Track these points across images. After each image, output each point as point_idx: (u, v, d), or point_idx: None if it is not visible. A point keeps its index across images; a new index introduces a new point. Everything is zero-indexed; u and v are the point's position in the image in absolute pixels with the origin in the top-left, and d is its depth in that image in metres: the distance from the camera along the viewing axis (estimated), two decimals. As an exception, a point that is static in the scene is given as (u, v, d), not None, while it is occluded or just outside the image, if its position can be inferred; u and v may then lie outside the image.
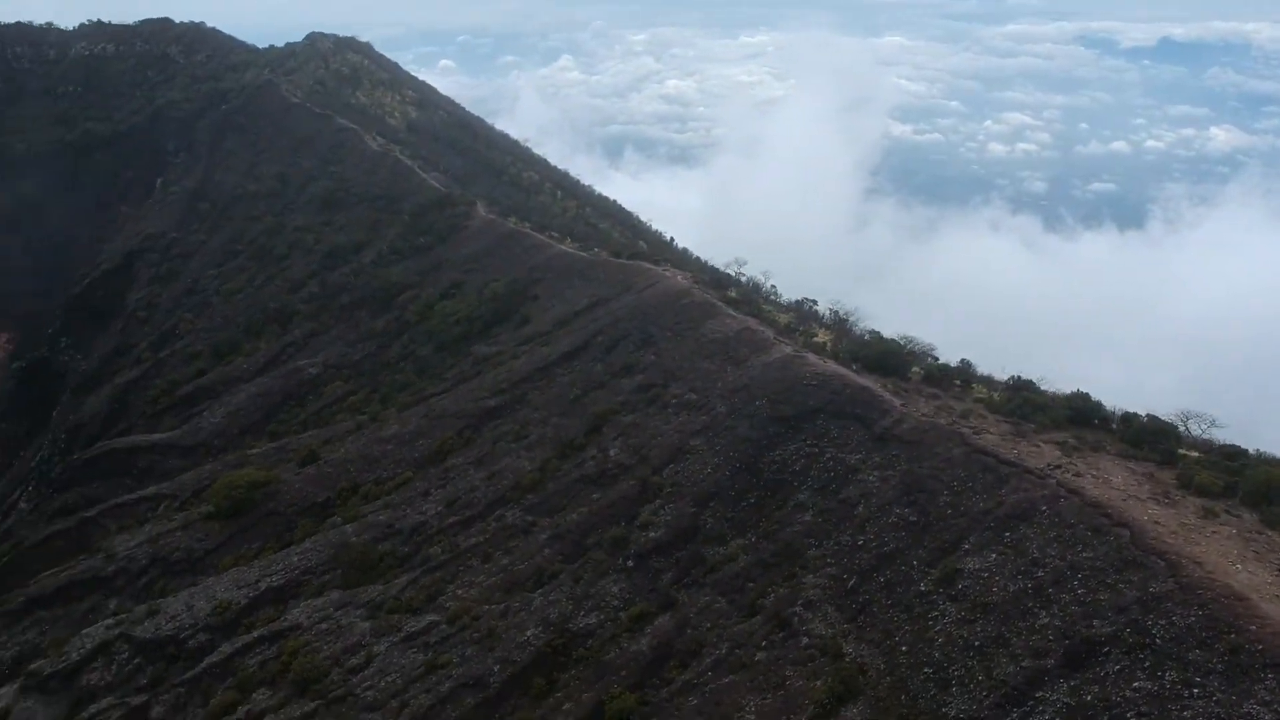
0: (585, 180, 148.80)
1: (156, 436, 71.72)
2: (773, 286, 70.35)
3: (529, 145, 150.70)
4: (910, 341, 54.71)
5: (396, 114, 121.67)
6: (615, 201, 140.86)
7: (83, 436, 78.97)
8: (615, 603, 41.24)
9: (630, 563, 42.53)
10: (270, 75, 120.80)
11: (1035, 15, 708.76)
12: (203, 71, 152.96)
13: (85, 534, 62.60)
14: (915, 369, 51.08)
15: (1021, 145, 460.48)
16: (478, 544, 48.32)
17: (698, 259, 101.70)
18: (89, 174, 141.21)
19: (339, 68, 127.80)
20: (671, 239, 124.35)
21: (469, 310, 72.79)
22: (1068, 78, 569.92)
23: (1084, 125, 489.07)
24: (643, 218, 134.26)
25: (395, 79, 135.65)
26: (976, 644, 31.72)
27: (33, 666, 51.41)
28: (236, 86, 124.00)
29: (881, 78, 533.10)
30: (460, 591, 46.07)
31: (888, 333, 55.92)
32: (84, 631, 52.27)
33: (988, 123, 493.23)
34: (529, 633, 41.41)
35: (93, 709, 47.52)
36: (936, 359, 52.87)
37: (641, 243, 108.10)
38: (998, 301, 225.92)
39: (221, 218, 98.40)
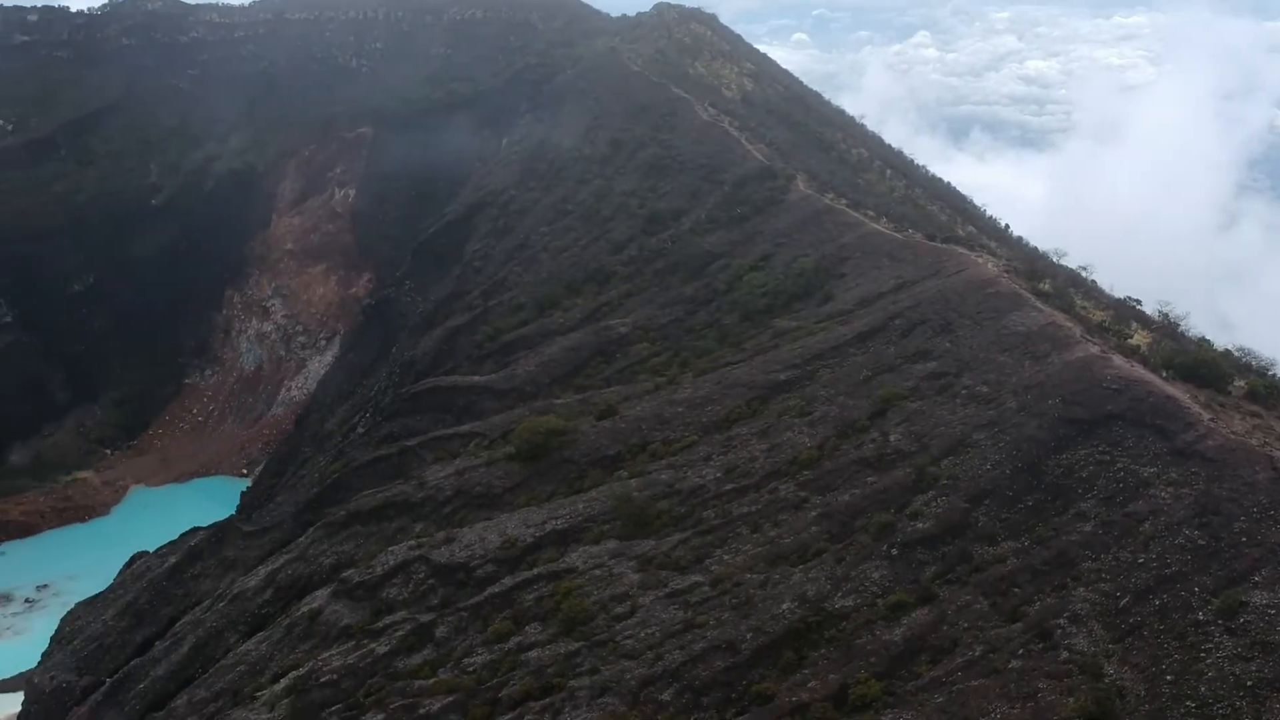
0: (922, 160, 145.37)
1: (476, 379, 76.90)
2: (1093, 281, 66.23)
3: (864, 122, 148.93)
4: (1247, 354, 50.27)
5: (732, 85, 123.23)
6: (949, 183, 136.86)
7: (413, 372, 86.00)
8: (874, 589, 40.74)
9: (895, 551, 41.82)
10: (614, 43, 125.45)
11: None
12: (558, 38, 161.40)
13: (405, 461, 68.28)
14: (1239, 383, 46.90)
15: None
16: (749, 513, 48.95)
17: (1032, 248, 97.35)
18: (451, 131, 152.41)
19: (681, 38, 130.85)
20: (1006, 225, 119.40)
21: (775, 283, 73.09)
22: None
23: None
24: (977, 201, 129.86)
25: (735, 51, 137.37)
26: (1249, 684, 29.20)
27: (345, 574, 57.03)
28: (585, 53, 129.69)
29: (1271, 65, 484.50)
30: (726, 557, 46.93)
31: (1239, 343, 51.59)
32: (390, 549, 57.33)
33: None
34: (785, 606, 41.66)
35: (388, 619, 52.15)
36: (1274, 375, 48.24)
37: (971, 227, 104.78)
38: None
39: (556, 178, 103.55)
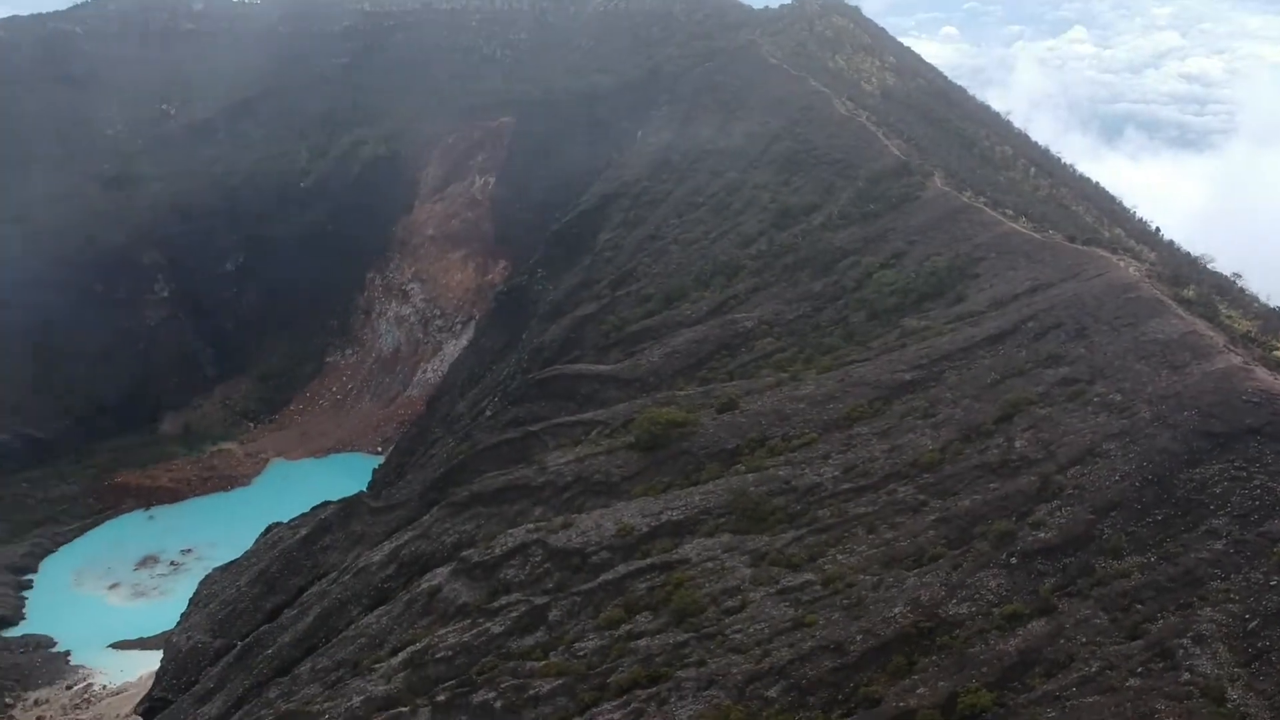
0: (1072, 159, 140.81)
1: (601, 367, 77.54)
2: (1243, 289, 63.32)
3: (1009, 119, 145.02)
4: None
5: (873, 79, 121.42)
6: (1097, 184, 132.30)
7: (541, 359, 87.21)
8: (990, 597, 39.76)
9: (1014, 560, 40.71)
10: (754, 36, 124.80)
11: None
12: (699, 30, 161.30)
13: (528, 446, 69.22)
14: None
15: None
16: (865, 514, 48.30)
17: (1184, 253, 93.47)
18: (590, 122, 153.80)
19: (822, 31, 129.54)
20: (1156, 229, 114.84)
21: (906, 282, 71.84)
22: None
23: None
24: (1127, 203, 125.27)
25: (877, 44, 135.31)
26: (1385, 720, 27.56)
27: (465, 553, 58.15)
28: (725, 46, 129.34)
29: None
30: (840, 557, 46.40)
31: None
32: (509, 531, 58.25)
33: None
34: (897, 609, 40.99)
35: (504, 600, 53.02)
36: None
37: (1118, 229, 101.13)
38: None
39: (689, 170, 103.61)
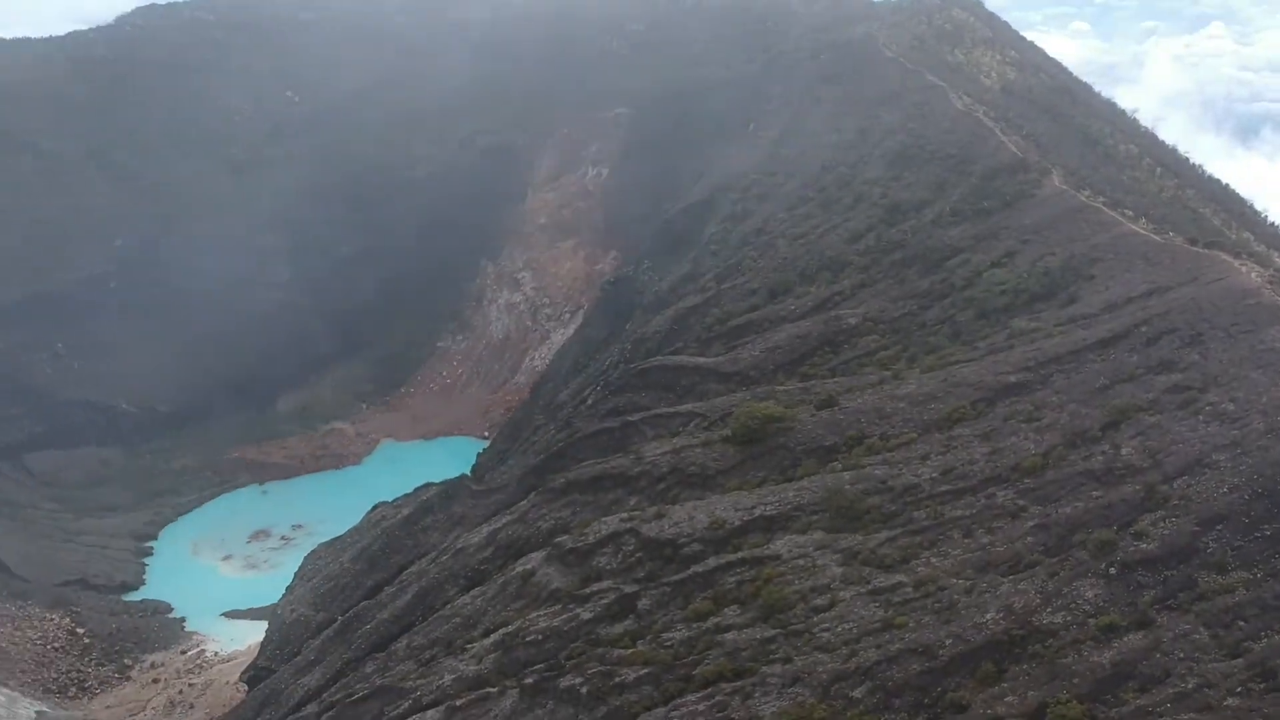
0: (1201, 160, 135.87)
1: (701, 360, 77.45)
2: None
3: (1136, 117, 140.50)
4: None
5: (992, 74, 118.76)
6: (1227, 185, 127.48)
7: (643, 350, 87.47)
8: (1086, 607, 38.68)
9: (1113, 570, 39.53)
10: (870, 29, 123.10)
11: None
12: (817, 23, 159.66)
13: (626, 435, 69.59)
14: None
15: None
16: (962, 517, 47.43)
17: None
18: (704, 114, 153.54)
19: (942, 24, 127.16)
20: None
21: (1017, 282, 70.25)
22: None
23: None
24: (1259, 206, 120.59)
25: (998, 38, 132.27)
26: None
27: (559, 539, 58.77)
28: (841, 39, 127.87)
29: None
30: (934, 559, 45.67)
31: None
32: (603, 519, 58.65)
33: None
34: (989, 615, 40.17)
35: (595, 587, 53.45)
36: None
37: (1247, 233, 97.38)
38: None
39: (799, 164, 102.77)
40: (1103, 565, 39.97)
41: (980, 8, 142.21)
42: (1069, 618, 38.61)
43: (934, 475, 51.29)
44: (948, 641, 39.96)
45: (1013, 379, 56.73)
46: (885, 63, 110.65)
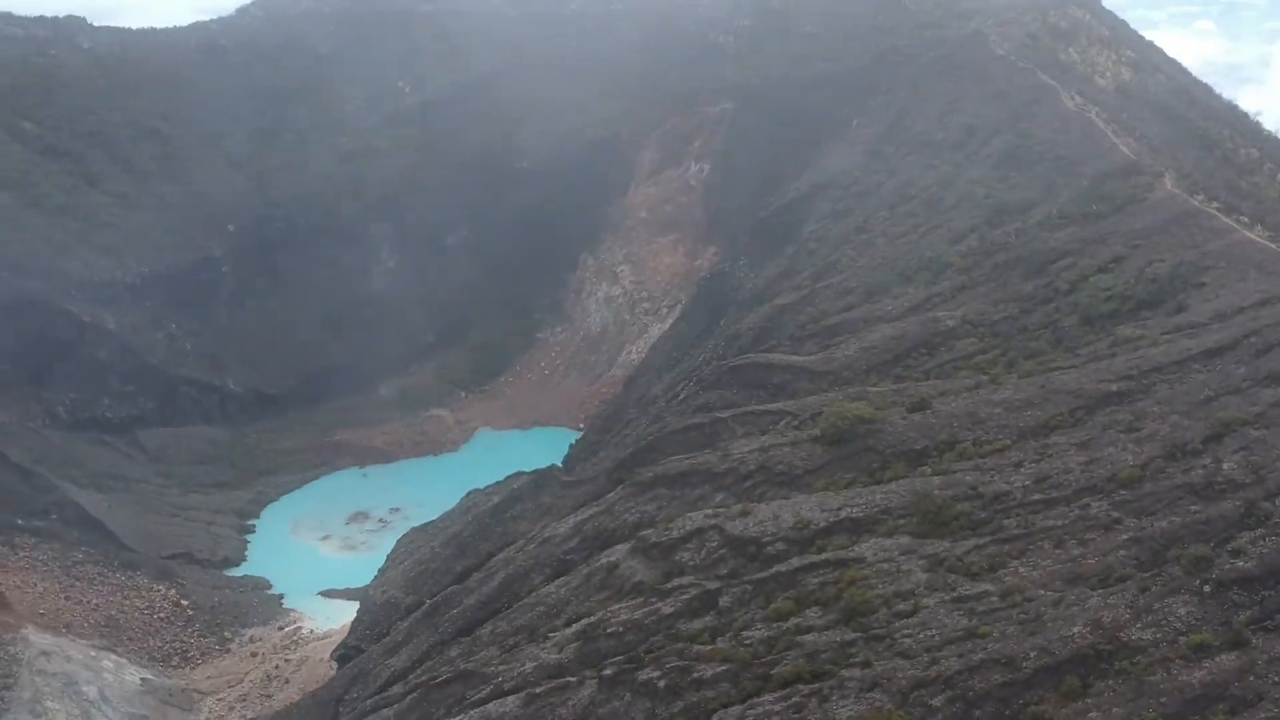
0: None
1: (794, 358, 76.91)
2: None
3: (1259, 119, 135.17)
4: None
5: (1107, 74, 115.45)
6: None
7: (736, 347, 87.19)
8: (1178, 625, 37.45)
9: (1207, 588, 38.19)
10: (980, 26, 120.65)
11: None
12: (929, 19, 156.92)
13: (715, 431, 69.47)
14: None
15: None
16: (1053, 527, 46.28)
17: None
18: (809, 111, 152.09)
19: (1056, 22, 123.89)
20: None
21: (1124, 288, 68.40)
22: None
23: None
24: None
25: (1115, 37, 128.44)
26: None
27: (643, 533, 58.92)
28: (951, 36, 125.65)
29: None
30: (1022, 569, 44.65)
31: None
32: (688, 515, 58.61)
33: None
34: (1076, 629, 39.12)
35: (677, 581, 53.43)
36: None
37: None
38: None
39: (903, 162, 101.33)
40: (1197, 582, 38.66)
41: (1098, 5, 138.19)
42: (1159, 634, 37.44)
43: (1026, 483, 50.15)
44: (1032, 654, 39.04)
45: (1114, 387, 55.20)
46: (995, 60, 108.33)
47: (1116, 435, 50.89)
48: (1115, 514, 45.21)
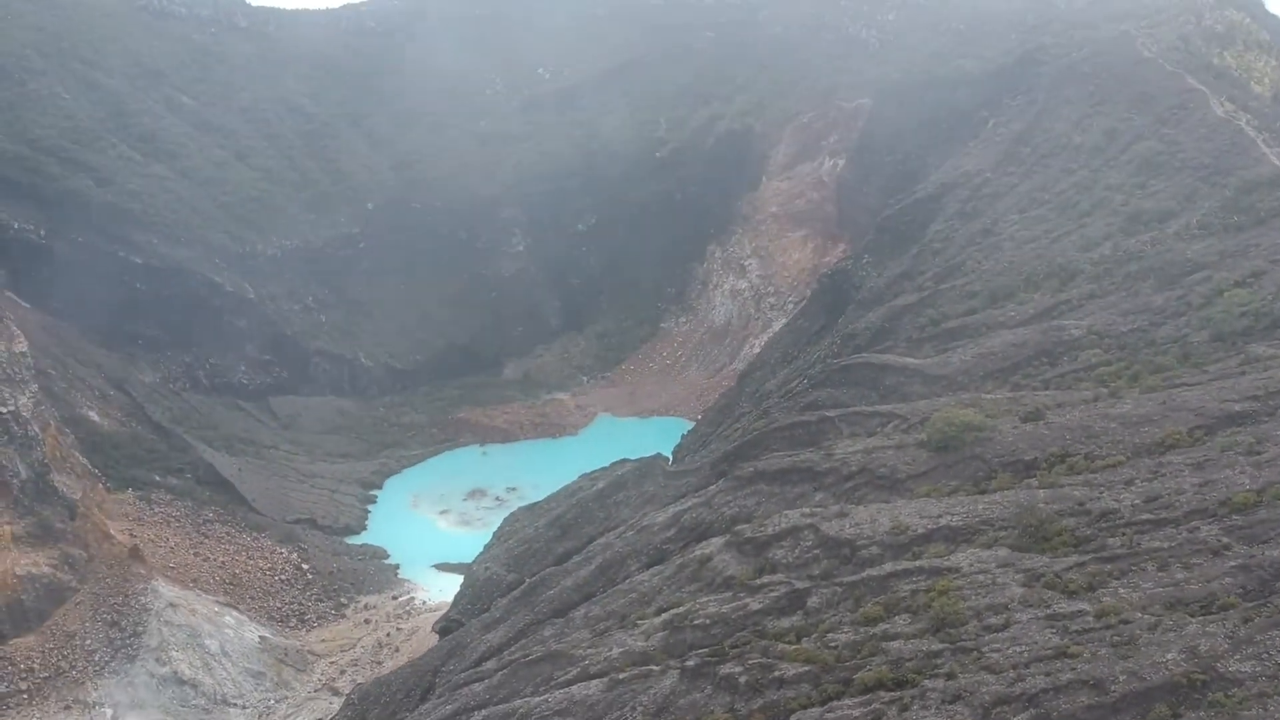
0: None
1: (909, 360, 75.51)
2: None
3: None
4: None
5: (1265, 80, 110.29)
6: None
7: (852, 345, 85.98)
8: (1279, 658, 35.68)
9: (1314, 623, 36.32)
10: (1128, 27, 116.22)
11: None
12: (1079, 18, 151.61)
13: (821, 430, 68.68)
14: None
15: None
16: (1159, 549, 44.46)
17: None
18: (949, 109, 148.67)
19: (1212, 24, 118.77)
20: None
21: (1260, 304, 65.38)
22: None
23: None
24: None
25: (1276, 41, 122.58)
26: None
27: (739, 527, 58.69)
28: (1097, 36, 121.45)
29: None
30: (1122, 591, 43.02)
31: None
32: (785, 512, 58.18)
33: None
34: (1170, 655, 37.54)
35: (767, 578, 53.10)
36: None
37: None
38: None
39: (1038, 164, 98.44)
40: (1306, 615, 36.78)
41: (1260, 8, 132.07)
42: (1258, 667, 35.69)
43: (1136, 502, 48.36)
44: (1121, 678, 37.61)
45: (1237, 408, 52.90)
46: (1141, 63, 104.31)
47: (1235, 458, 48.71)
48: (1225, 539, 43.26)
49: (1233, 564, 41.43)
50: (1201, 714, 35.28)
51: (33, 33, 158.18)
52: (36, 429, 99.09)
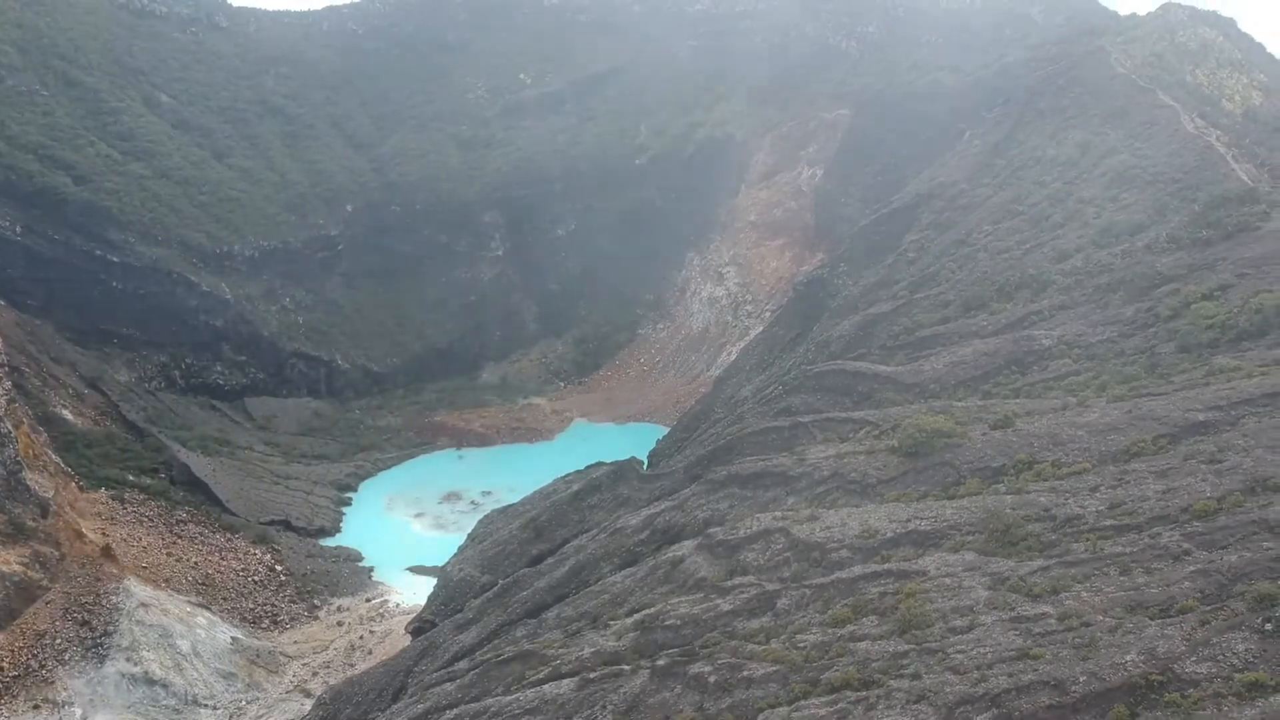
0: None
1: (882, 368, 76.34)
2: None
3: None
4: None
5: (1236, 98, 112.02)
6: None
7: (826, 353, 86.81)
8: (1234, 661, 36.41)
9: (1269, 626, 37.06)
10: (1103, 43, 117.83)
11: None
12: (1055, 34, 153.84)
13: (793, 436, 69.36)
14: None
15: None
16: (1121, 554, 45.25)
17: None
18: (926, 120, 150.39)
19: (1185, 42, 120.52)
20: None
21: (1226, 317, 66.38)
22: None
23: None
24: None
25: (1248, 60, 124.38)
26: None
27: (711, 530, 59.26)
28: (1072, 51, 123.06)
29: None
30: (1084, 594, 43.77)
31: None
32: (757, 515, 58.77)
33: None
34: (1129, 657, 38.30)
35: (738, 580, 53.66)
36: None
37: None
38: None
39: (1012, 177, 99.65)
40: (1259, 619, 37.53)
41: (1232, 26, 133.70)
42: (1214, 669, 36.47)
43: (1100, 508, 49.16)
44: (1082, 678, 38.33)
45: (1200, 418, 53.76)
46: (1114, 79, 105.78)
47: (1197, 466, 49.56)
48: (1185, 545, 44.06)
49: (1192, 569, 42.22)
50: (1158, 714, 36.01)
51: (12, 29, 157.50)
52: (9, 426, 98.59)
